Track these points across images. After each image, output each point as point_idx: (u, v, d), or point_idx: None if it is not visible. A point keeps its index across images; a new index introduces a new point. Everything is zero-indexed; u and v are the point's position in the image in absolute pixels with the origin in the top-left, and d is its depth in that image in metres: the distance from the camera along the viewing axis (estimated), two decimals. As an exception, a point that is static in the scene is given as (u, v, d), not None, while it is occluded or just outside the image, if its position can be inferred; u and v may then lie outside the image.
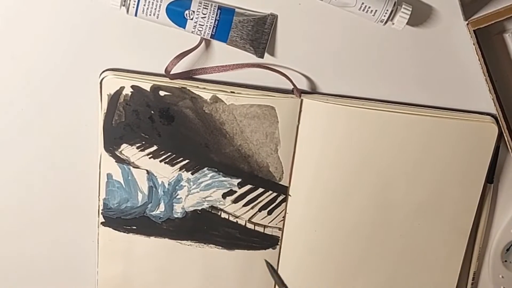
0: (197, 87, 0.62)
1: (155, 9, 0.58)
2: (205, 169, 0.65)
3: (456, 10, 0.60)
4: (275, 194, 0.66)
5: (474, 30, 0.59)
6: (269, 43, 0.61)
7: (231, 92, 0.62)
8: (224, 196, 0.66)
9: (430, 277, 0.69)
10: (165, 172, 0.65)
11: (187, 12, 0.58)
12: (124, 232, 0.67)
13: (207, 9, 0.58)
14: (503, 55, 0.63)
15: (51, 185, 0.68)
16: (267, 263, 0.65)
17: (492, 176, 0.66)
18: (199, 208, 0.66)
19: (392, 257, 0.69)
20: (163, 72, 0.62)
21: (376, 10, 0.58)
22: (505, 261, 0.71)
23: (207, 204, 0.66)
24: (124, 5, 0.58)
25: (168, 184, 0.65)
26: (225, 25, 0.59)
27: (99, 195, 0.66)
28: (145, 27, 0.61)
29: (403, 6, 0.58)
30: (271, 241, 0.68)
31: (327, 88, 0.64)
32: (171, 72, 0.62)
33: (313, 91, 0.65)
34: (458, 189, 0.66)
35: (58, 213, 0.69)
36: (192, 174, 0.65)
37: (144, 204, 0.66)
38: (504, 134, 0.63)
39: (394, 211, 0.67)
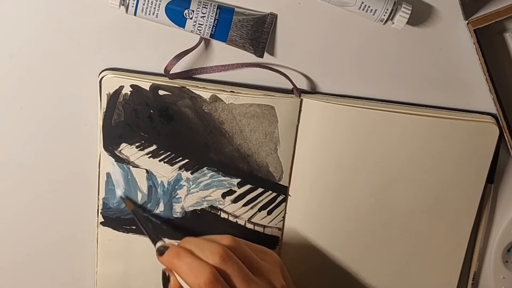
0: (197, 86, 0.62)
1: (154, 8, 0.58)
2: (205, 168, 0.65)
3: (456, 9, 0.60)
4: (274, 194, 0.66)
5: (474, 30, 0.59)
6: (268, 42, 0.61)
7: (231, 91, 0.62)
8: (224, 196, 0.66)
9: (430, 277, 0.69)
10: (164, 172, 0.65)
11: (186, 11, 0.58)
12: (123, 232, 0.67)
13: (206, 8, 0.58)
14: (503, 55, 0.62)
15: (50, 184, 0.68)
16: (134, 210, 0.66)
17: (493, 176, 0.66)
18: (199, 208, 0.66)
19: (392, 257, 0.68)
20: (163, 72, 0.62)
21: (376, 10, 0.58)
22: (506, 261, 0.70)
23: (207, 204, 0.66)
24: (123, 4, 0.58)
25: (168, 184, 0.65)
26: (224, 24, 0.59)
27: (98, 195, 0.66)
28: (144, 26, 0.61)
29: (403, 5, 0.58)
30: (271, 241, 0.68)
31: (327, 88, 0.64)
32: (171, 72, 0.62)
33: (313, 91, 0.64)
34: (458, 189, 0.65)
35: (57, 213, 0.69)
36: (192, 173, 0.65)
37: (144, 203, 0.66)
38: (505, 134, 0.63)
39: (394, 211, 0.66)
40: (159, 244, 0.59)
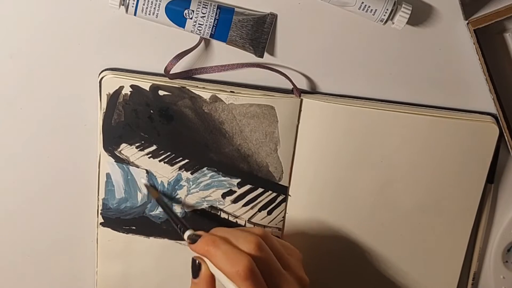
0: (197, 86, 0.62)
1: (154, 8, 0.58)
2: (205, 168, 0.65)
3: (456, 9, 0.60)
4: (274, 194, 0.66)
5: (474, 30, 0.59)
6: (268, 42, 0.61)
7: (231, 91, 0.62)
8: (224, 196, 0.66)
9: (430, 277, 0.69)
10: (164, 172, 0.65)
11: (186, 11, 0.58)
12: (123, 232, 0.67)
13: (206, 8, 0.58)
14: (503, 55, 0.62)
15: (50, 185, 0.68)
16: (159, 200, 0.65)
17: (493, 176, 0.66)
18: (199, 208, 0.66)
19: (392, 257, 0.68)
20: (163, 72, 0.62)
21: (376, 10, 0.58)
22: (506, 261, 0.70)
23: (207, 204, 0.66)
24: (123, 4, 0.58)
25: (168, 184, 0.65)
26: (224, 24, 0.59)
27: (98, 195, 0.66)
28: (144, 26, 0.61)
29: (403, 5, 0.58)
30: (270, 242, 0.68)
31: (327, 88, 0.64)
32: (171, 72, 0.62)
33: (313, 91, 0.64)
34: (458, 189, 0.66)
35: (57, 213, 0.69)
36: (192, 174, 0.65)
37: (144, 204, 0.66)
38: (505, 134, 0.63)
39: (394, 211, 0.66)
40: (188, 232, 0.58)
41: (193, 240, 0.56)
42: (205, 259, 0.56)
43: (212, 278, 0.55)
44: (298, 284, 0.56)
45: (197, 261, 0.56)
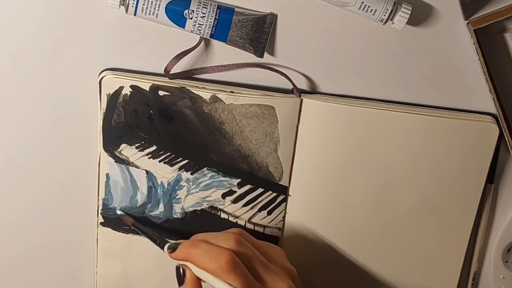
0: (197, 87, 0.62)
1: (154, 8, 0.58)
2: (205, 169, 0.65)
3: (456, 9, 0.60)
4: (275, 194, 0.66)
5: (474, 30, 0.59)
6: (268, 42, 0.61)
7: (231, 91, 0.62)
8: (224, 196, 0.66)
9: (430, 277, 0.69)
10: (164, 172, 0.65)
11: (186, 11, 0.58)
12: (123, 232, 0.67)
13: (206, 8, 0.58)
14: (503, 55, 0.62)
15: (50, 185, 0.68)
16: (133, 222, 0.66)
17: (493, 176, 0.66)
18: (199, 208, 0.66)
19: (392, 257, 0.68)
20: (163, 72, 0.62)
21: (376, 10, 0.58)
22: (506, 261, 0.70)
23: (207, 204, 0.66)
24: (123, 4, 0.58)
25: (168, 184, 0.65)
26: (224, 24, 0.59)
27: (98, 195, 0.66)
28: (144, 26, 0.61)
29: (403, 5, 0.58)
30: (271, 241, 0.67)
31: (327, 88, 0.64)
32: (171, 72, 0.62)
33: (313, 91, 0.64)
34: (458, 189, 0.66)
35: (57, 213, 0.69)
36: (192, 174, 0.65)
37: (144, 204, 0.66)
38: (505, 134, 0.63)
39: (394, 210, 0.66)
40: (167, 244, 0.58)
41: (173, 249, 0.57)
42: (188, 264, 0.56)
43: (198, 282, 0.56)
44: (285, 274, 0.56)
45: (181, 268, 0.56)
